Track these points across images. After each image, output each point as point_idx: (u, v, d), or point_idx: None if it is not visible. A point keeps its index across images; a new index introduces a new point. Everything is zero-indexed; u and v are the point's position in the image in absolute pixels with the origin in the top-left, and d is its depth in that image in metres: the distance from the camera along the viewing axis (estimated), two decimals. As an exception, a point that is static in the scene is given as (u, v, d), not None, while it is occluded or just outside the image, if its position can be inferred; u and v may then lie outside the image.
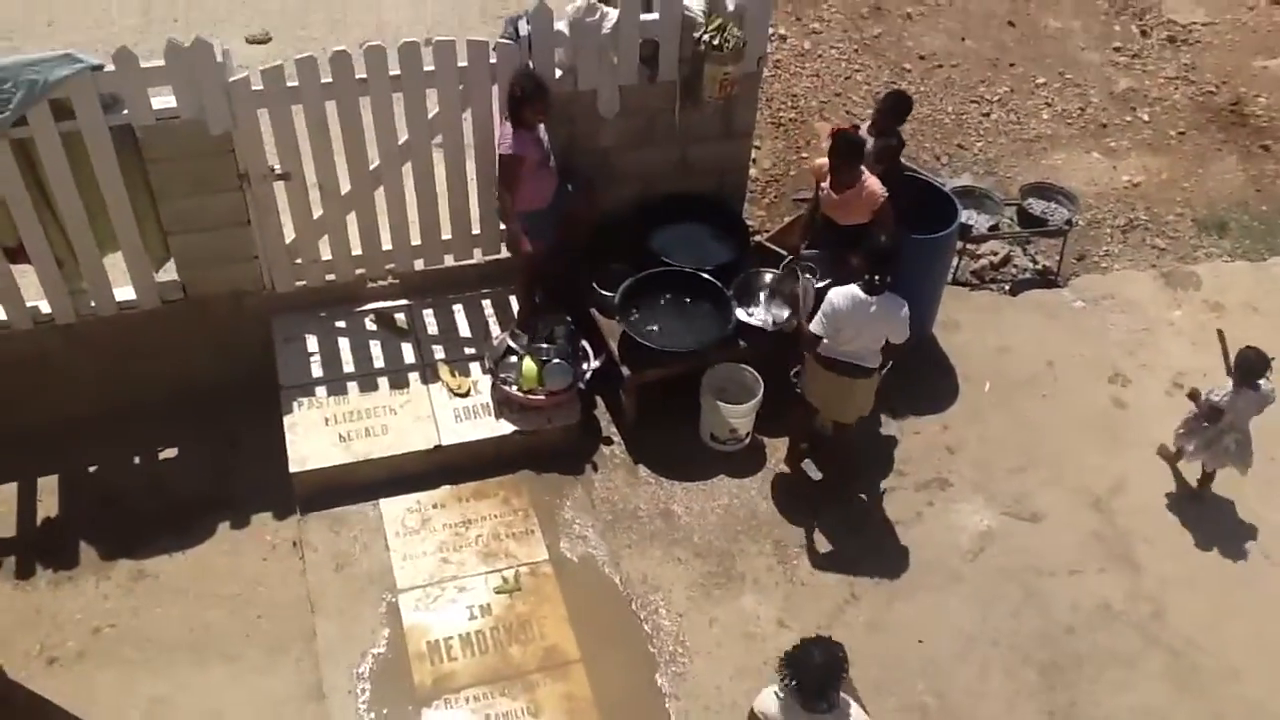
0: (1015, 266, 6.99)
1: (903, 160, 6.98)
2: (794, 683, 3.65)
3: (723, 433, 5.70)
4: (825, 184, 5.66)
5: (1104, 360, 6.49)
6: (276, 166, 5.52)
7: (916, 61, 8.38)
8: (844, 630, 5.12)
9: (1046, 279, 6.98)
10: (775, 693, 3.75)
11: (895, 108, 5.92)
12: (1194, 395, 5.71)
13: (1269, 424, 5.66)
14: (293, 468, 5.33)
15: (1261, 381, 5.48)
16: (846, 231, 5.66)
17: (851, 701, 3.81)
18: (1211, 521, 5.74)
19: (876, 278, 4.96)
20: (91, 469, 5.64)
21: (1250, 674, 5.13)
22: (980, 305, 6.78)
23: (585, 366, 5.69)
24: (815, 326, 5.15)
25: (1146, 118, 8.22)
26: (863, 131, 5.97)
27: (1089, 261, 7.03)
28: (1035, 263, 7.07)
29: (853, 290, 5.02)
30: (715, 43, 5.57)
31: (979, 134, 7.87)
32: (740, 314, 5.80)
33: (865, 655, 5.04)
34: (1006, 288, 6.90)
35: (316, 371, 5.75)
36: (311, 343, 5.86)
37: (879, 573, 5.38)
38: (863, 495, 5.69)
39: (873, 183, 5.55)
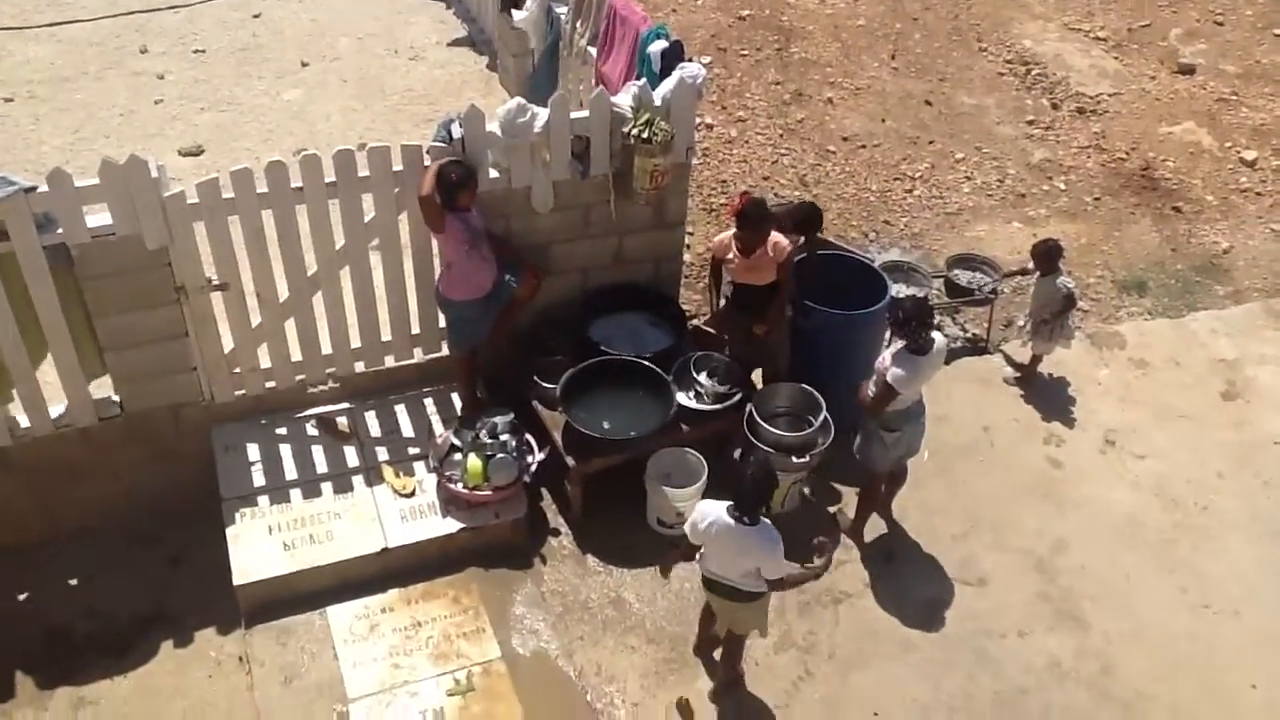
0: (946, 336, 7.16)
1: (832, 239, 7.27)
2: (899, 321, 5.15)
3: (669, 517, 5.74)
4: (732, 255, 5.83)
5: (1037, 423, 6.66)
6: (214, 277, 5.54)
7: (840, 143, 8.69)
8: (800, 708, 5.14)
9: (977, 347, 7.19)
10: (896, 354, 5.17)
11: (755, 214, 5.91)
12: (1038, 315, 6.75)
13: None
14: (236, 580, 5.26)
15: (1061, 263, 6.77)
16: (762, 293, 5.90)
17: (940, 335, 5.33)
18: (1151, 574, 5.86)
19: (744, 518, 4.49)
20: (23, 597, 5.50)
21: (1202, 725, 5.21)
22: (915, 375, 6.94)
23: (530, 460, 5.72)
24: (688, 529, 4.71)
25: (1063, 186, 8.57)
26: None
27: (1016, 327, 7.24)
28: (965, 331, 7.29)
29: (721, 513, 4.54)
30: (644, 136, 5.71)
31: (904, 210, 8.15)
32: (681, 398, 5.90)
33: (823, 733, 5.06)
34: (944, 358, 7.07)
35: (258, 480, 5.71)
36: (253, 451, 5.84)
37: (831, 647, 5.40)
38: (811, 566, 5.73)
39: (778, 236, 5.81)
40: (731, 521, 4.51)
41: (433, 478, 5.72)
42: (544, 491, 5.97)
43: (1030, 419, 6.68)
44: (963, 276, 7.24)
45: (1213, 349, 7.27)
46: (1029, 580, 5.78)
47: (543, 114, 5.71)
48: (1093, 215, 8.30)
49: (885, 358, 5.36)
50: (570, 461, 5.69)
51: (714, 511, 4.59)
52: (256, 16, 10.20)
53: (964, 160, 8.67)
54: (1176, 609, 5.69)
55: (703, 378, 6.01)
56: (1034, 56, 9.93)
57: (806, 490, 6.10)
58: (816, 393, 5.97)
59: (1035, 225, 8.10)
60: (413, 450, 5.93)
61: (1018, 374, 6.95)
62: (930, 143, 8.80)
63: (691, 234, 7.37)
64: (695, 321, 6.75)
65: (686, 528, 4.74)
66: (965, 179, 8.50)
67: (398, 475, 5.78)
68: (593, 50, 7.26)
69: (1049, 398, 6.83)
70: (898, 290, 6.93)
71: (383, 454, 5.90)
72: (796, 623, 5.47)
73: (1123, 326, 7.40)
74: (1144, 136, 9.07)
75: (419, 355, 6.23)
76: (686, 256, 7.15)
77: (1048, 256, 6.70)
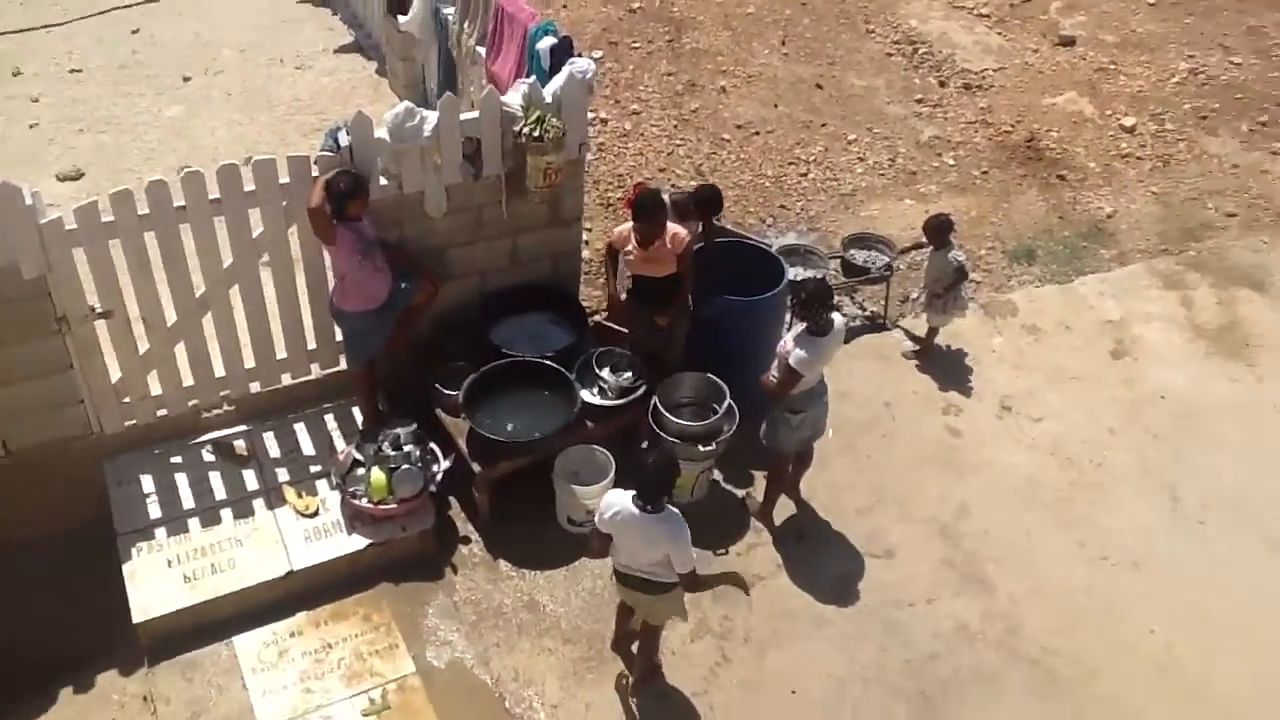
0: (845, 315, 7.27)
1: (730, 226, 7.35)
2: (799, 303, 5.32)
3: (580, 515, 5.74)
4: (631, 247, 5.86)
5: (936, 393, 6.82)
6: (97, 305, 5.39)
7: (734, 131, 8.76)
8: (719, 694, 5.20)
9: (876, 324, 7.33)
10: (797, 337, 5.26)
11: (649, 204, 5.82)
12: (932, 289, 6.92)
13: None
14: (136, 617, 5.12)
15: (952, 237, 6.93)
16: (662, 284, 5.93)
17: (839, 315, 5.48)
18: (1050, 532, 6.04)
19: (648, 506, 4.50)
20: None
21: (1104, 673, 5.40)
22: (817, 356, 7.05)
23: (435, 469, 5.67)
24: (596, 520, 4.72)
25: (952, 161, 8.76)
26: None
27: (912, 301, 7.39)
28: (864, 309, 7.42)
29: (627, 502, 4.55)
30: (536, 134, 5.69)
31: (799, 193, 8.26)
32: (585, 395, 5.90)
33: (742, 714, 5.14)
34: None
35: (154, 512, 5.57)
36: (147, 483, 5.69)
37: (747, 630, 5.47)
38: (723, 552, 5.80)
39: (676, 227, 5.85)
40: (636, 510, 4.53)
41: (336, 495, 5.64)
42: (452, 500, 5.92)
43: (929, 390, 6.84)
44: (859, 256, 7.37)
45: (1100, 311, 7.51)
46: (934, 548, 5.92)
47: (432, 117, 5.66)
48: (981, 188, 8.51)
49: (787, 341, 5.43)
50: (476, 467, 5.66)
51: (619, 501, 4.61)
52: (135, 32, 9.90)
53: (856, 141, 8.82)
54: (1076, 564, 5.88)
55: (606, 373, 6.03)
56: (920, 36, 10.13)
57: (718, 476, 6.16)
58: (720, 380, 6.03)
59: (927, 201, 8.26)
60: (314, 469, 5.84)
61: (916, 348, 7.10)
62: (823, 126, 8.93)
63: (590, 230, 7.37)
64: (597, 318, 6.76)
65: (595, 519, 4.76)
66: (858, 160, 8.64)
67: (300, 495, 5.69)
68: (482, 50, 7.21)
69: (947, 368, 6.99)
70: (796, 273, 7.03)
71: (283, 475, 5.80)
72: (711, 609, 5.52)
73: (1014, 295, 7.60)
74: (1028, 109, 9.32)
75: (316, 371, 6.13)
76: (586, 253, 7.16)
77: (939, 231, 6.86)
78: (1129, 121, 9.23)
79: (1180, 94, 9.59)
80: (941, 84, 9.59)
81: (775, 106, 9.07)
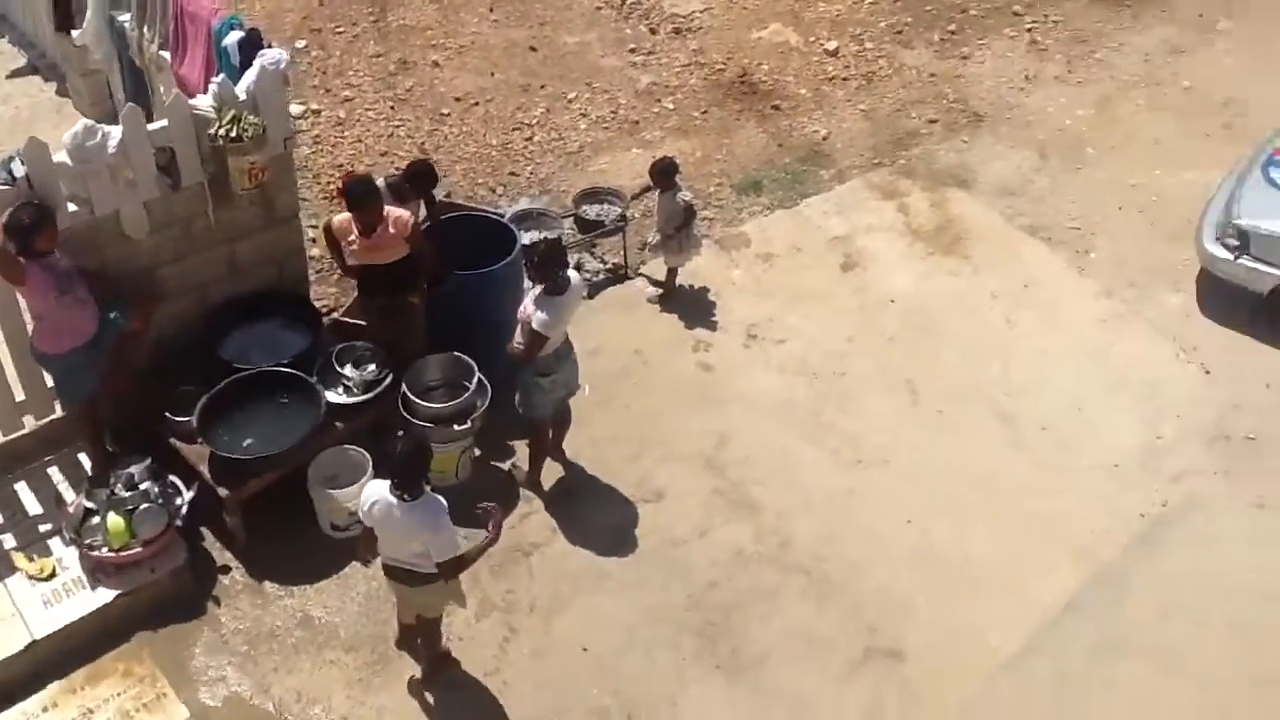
0: (588, 271, 7.37)
1: (461, 200, 7.25)
2: (534, 266, 5.41)
3: (343, 519, 5.58)
4: (353, 237, 5.69)
5: (683, 334, 7.02)
6: None
7: (453, 104, 8.63)
8: (510, 669, 5.22)
9: (618, 275, 7.44)
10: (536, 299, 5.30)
11: (358, 190, 5.59)
12: (664, 230, 7.05)
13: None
14: None
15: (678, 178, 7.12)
16: (393, 270, 5.75)
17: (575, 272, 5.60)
18: (807, 446, 6.35)
19: (404, 494, 4.39)
20: None
21: (871, 566, 5.77)
22: (564, 316, 7.10)
23: (179, 502, 5.37)
24: (360, 514, 4.63)
25: (671, 106, 8.96)
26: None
27: (650, 248, 7.55)
28: (605, 263, 7.52)
29: (385, 491, 4.45)
30: (233, 134, 5.43)
31: (526, 158, 8.24)
32: (331, 395, 5.72)
33: (537, 683, 5.18)
34: (584, 293, 7.26)
35: None
36: None
37: (531, 600, 5.50)
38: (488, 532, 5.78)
39: (396, 210, 5.70)
40: (394, 499, 4.44)
41: (73, 551, 5.26)
42: (204, 531, 5.63)
43: (677, 331, 7.03)
44: (591, 210, 7.44)
45: (827, 229, 7.91)
46: (702, 481, 6.12)
47: (115, 132, 5.31)
48: (703, 128, 8.75)
49: (527, 305, 5.43)
50: (223, 492, 5.39)
51: (378, 491, 4.52)
52: None
53: (576, 99, 8.86)
54: (833, 471, 6.23)
55: (348, 370, 5.87)
56: (625, -14, 10.23)
57: (479, 453, 6.11)
58: (467, 357, 5.97)
59: (652, 148, 8.41)
60: (44, 527, 5.43)
61: (659, 291, 7.27)
62: (541, 88, 8.93)
63: (315, 226, 7.10)
64: (334, 315, 6.54)
65: (360, 517, 4.65)
66: (580, 116, 8.70)
67: (31, 559, 5.28)
68: (166, 55, 6.77)
69: (691, 307, 7.19)
70: (532, 237, 7.04)
71: (9, 541, 5.36)
72: (492, 585, 5.51)
73: (746, 226, 7.88)
74: (737, 45, 9.62)
75: (30, 423, 5.68)
76: (314, 250, 6.90)
77: (664, 174, 7.02)
78: (832, 45, 9.69)
79: (875, 13, 10.14)
80: (652, 31, 9.76)
81: (492, 74, 8.99)
